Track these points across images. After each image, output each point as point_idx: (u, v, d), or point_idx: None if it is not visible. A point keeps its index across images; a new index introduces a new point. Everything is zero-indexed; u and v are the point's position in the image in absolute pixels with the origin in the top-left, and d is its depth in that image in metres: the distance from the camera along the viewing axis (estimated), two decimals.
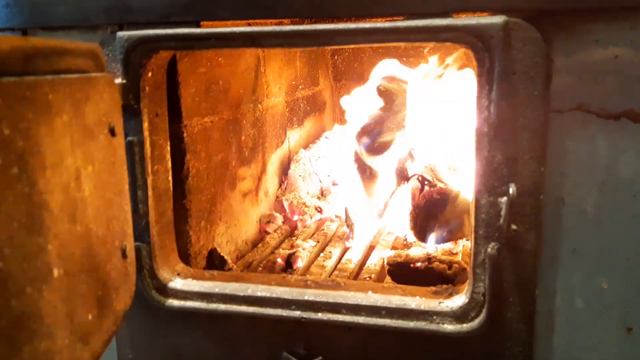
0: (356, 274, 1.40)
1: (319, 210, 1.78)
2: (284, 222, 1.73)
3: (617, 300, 0.94)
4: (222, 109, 1.41)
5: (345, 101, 1.75)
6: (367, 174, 1.54)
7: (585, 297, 0.95)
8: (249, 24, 1.06)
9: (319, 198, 1.92)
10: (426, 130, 1.60)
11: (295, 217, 1.75)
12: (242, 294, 1.08)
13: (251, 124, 1.60)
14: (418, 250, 1.44)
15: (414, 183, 1.53)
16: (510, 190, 0.90)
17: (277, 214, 1.74)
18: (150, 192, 1.08)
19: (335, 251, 1.55)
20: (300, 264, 1.44)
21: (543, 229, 0.94)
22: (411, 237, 1.56)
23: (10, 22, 1.11)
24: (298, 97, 2.07)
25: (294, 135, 2.01)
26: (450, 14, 0.90)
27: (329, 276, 1.40)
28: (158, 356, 1.18)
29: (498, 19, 0.87)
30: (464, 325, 0.98)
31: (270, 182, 1.78)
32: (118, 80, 1.02)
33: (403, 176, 1.56)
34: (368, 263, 1.48)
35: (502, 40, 0.87)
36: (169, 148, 1.15)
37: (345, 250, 1.57)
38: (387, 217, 1.59)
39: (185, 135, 1.23)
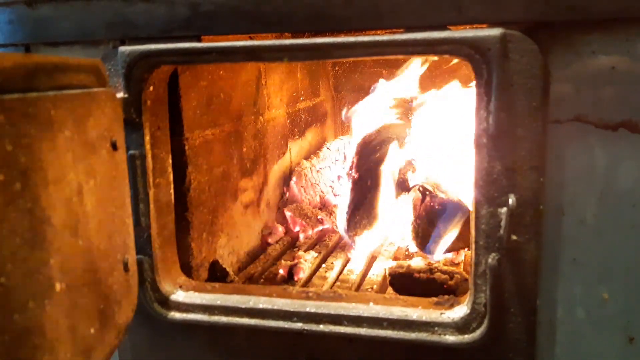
0: (358, 285, 1.40)
1: (321, 221, 1.79)
2: (285, 234, 1.73)
3: (618, 311, 0.94)
4: (223, 122, 1.42)
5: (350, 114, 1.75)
6: (367, 184, 1.55)
7: (586, 307, 0.95)
8: (250, 38, 1.07)
9: (320, 209, 1.93)
10: (427, 140, 1.61)
11: (297, 228, 1.75)
12: (243, 306, 1.08)
13: (252, 136, 1.61)
14: (420, 261, 1.44)
15: (415, 194, 1.53)
16: (510, 201, 0.91)
17: (278, 225, 1.74)
18: (152, 205, 1.09)
19: (337, 262, 1.55)
20: (302, 275, 1.44)
21: (543, 239, 0.94)
22: (413, 248, 1.56)
23: (13, 38, 1.12)
24: (299, 109, 2.08)
25: (295, 147, 2.02)
26: (448, 27, 0.91)
27: (331, 287, 1.40)
28: None
29: (495, 32, 0.87)
30: (466, 336, 0.98)
31: (272, 193, 1.79)
32: (120, 95, 1.03)
33: (404, 187, 1.56)
34: (370, 274, 1.48)
35: (499, 52, 0.88)
36: (170, 161, 1.16)
37: (347, 261, 1.57)
38: (388, 228, 1.60)
39: (186, 148, 1.24)
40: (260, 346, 1.12)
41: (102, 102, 0.87)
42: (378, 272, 1.47)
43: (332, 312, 1.04)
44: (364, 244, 1.58)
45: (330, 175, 2.14)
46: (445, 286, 1.18)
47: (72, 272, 0.75)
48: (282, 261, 1.55)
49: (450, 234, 1.42)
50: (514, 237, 0.93)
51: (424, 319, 1.00)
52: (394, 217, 1.57)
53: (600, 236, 0.93)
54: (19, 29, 1.11)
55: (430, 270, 1.22)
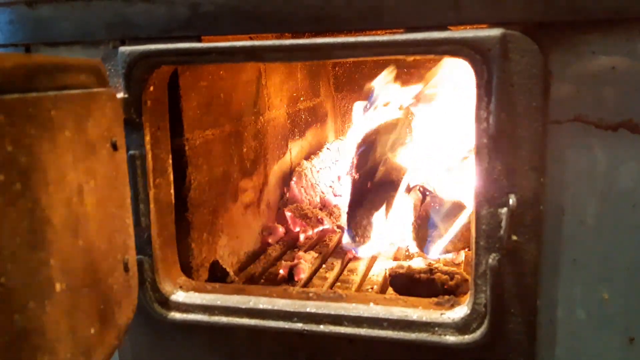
0: (358, 286, 1.40)
1: (321, 221, 1.78)
2: (285, 234, 1.73)
3: (618, 311, 0.94)
4: (223, 122, 1.42)
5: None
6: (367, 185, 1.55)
7: (586, 307, 0.95)
8: (250, 38, 1.07)
9: (320, 209, 1.93)
10: (427, 140, 1.61)
11: (297, 229, 1.75)
12: (243, 306, 1.08)
13: (253, 136, 1.61)
14: (420, 262, 1.44)
15: (415, 194, 1.53)
16: (510, 201, 0.91)
17: (278, 226, 1.74)
18: (152, 206, 1.09)
19: (337, 262, 1.55)
20: (302, 275, 1.44)
21: (543, 240, 0.94)
22: (413, 248, 1.56)
23: (14, 38, 1.12)
24: (299, 109, 2.08)
25: (296, 147, 2.02)
26: (448, 27, 0.91)
27: (331, 288, 1.40)
28: None
29: (495, 32, 0.87)
30: (466, 336, 0.98)
31: (272, 193, 1.79)
32: (120, 95, 1.03)
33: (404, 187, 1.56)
34: (370, 274, 1.48)
35: (499, 53, 0.88)
36: (170, 161, 1.16)
37: (347, 261, 1.57)
38: (389, 228, 1.60)
39: (187, 148, 1.23)
40: (260, 346, 1.12)
41: (103, 102, 0.87)
42: (378, 273, 1.47)
43: (333, 312, 1.04)
44: (365, 244, 1.58)
45: (330, 175, 2.14)
46: (445, 286, 1.18)
47: (72, 273, 0.75)
48: (283, 261, 1.55)
49: (449, 233, 1.42)
50: (514, 238, 0.93)
51: (424, 319, 1.00)
52: (395, 217, 1.56)
53: (600, 236, 0.93)
54: (19, 29, 1.11)
55: (431, 270, 1.22)
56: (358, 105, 1.80)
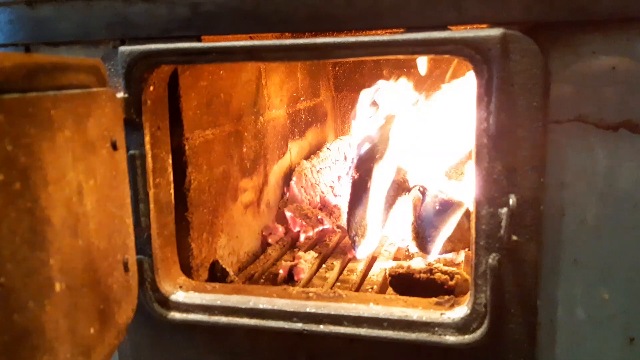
0: (358, 286, 1.40)
1: (321, 221, 1.78)
2: (285, 234, 1.73)
3: (618, 311, 0.94)
4: (223, 122, 1.42)
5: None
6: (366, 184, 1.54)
7: (586, 307, 0.95)
8: (250, 38, 1.07)
9: (320, 209, 1.92)
10: (426, 140, 1.61)
11: (297, 229, 1.75)
12: (243, 306, 1.08)
13: (253, 136, 1.61)
14: (420, 261, 1.44)
15: (415, 194, 1.53)
16: (510, 201, 0.91)
17: (278, 226, 1.74)
18: (152, 205, 1.09)
19: (337, 263, 1.54)
20: (302, 275, 1.44)
21: (543, 240, 0.94)
22: (413, 248, 1.56)
23: (14, 38, 1.12)
24: (299, 109, 2.08)
25: (296, 147, 2.02)
26: (448, 27, 0.91)
27: (331, 288, 1.40)
28: None
29: (496, 32, 0.87)
30: (466, 336, 0.97)
31: (272, 193, 1.79)
32: (120, 95, 1.03)
33: (404, 187, 1.56)
34: (370, 274, 1.48)
35: (500, 53, 0.88)
36: (170, 161, 1.15)
37: (347, 261, 1.57)
38: (388, 228, 1.59)
39: (187, 148, 1.23)
40: (260, 346, 1.12)
41: (102, 102, 0.87)
42: (378, 273, 1.47)
43: (333, 312, 1.04)
44: (365, 244, 1.58)
45: (330, 175, 2.14)
46: (445, 286, 1.18)
47: (72, 272, 0.75)
48: (282, 261, 1.55)
49: (446, 233, 1.42)
50: (514, 238, 0.93)
51: (424, 319, 1.00)
52: (395, 218, 1.56)
53: (600, 237, 0.93)
54: (19, 29, 1.11)
55: (431, 270, 1.22)
56: (362, 100, 1.78)
